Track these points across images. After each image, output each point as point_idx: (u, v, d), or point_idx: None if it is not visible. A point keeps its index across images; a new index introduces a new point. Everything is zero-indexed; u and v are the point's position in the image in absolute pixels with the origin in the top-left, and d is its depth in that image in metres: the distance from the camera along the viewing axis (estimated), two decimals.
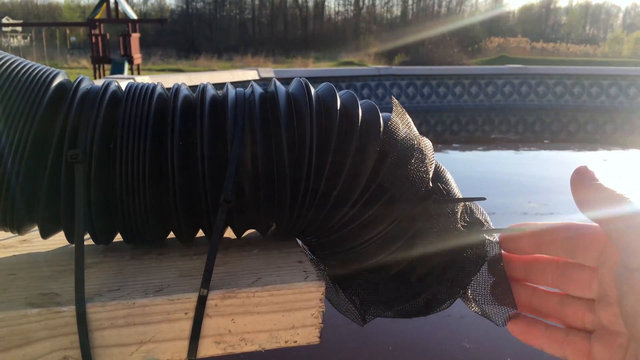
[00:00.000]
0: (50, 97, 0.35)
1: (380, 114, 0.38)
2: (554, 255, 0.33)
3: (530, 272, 0.35)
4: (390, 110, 0.39)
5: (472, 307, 0.37)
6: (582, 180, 0.30)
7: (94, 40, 11.03)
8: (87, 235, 0.37)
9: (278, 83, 0.39)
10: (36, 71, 0.36)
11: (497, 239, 0.36)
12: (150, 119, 0.35)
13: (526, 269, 0.35)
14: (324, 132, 0.36)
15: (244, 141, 0.36)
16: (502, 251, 0.36)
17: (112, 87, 0.37)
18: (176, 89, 0.37)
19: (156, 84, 0.38)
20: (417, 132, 0.38)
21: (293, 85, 0.39)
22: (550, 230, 0.33)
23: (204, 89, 0.38)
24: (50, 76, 0.36)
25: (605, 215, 0.28)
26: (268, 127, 0.36)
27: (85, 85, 0.37)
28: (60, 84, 0.36)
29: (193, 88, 0.39)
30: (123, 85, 0.38)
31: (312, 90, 0.38)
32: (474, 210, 0.39)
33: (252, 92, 0.38)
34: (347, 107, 0.37)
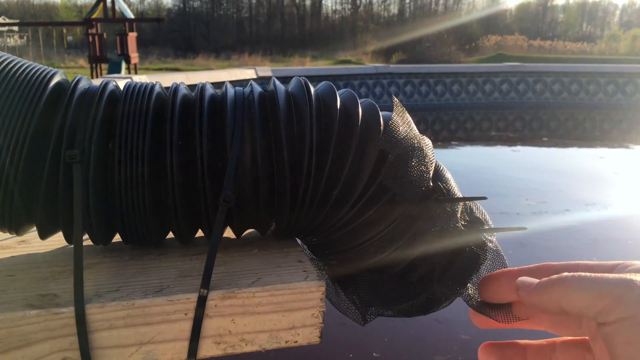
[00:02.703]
0: (48, 96, 0.34)
1: (380, 113, 0.38)
2: None
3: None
4: (388, 108, 0.39)
5: (472, 305, 0.37)
6: (525, 288, 0.30)
7: (91, 39, 11.00)
8: (86, 236, 0.37)
9: (277, 82, 0.39)
10: (33, 71, 0.35)
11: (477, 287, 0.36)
12: (149, 118, 0.35)
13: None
14: (324, 132, 0.36)
15: (244, 140, 0.35)
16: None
17: (111, 86, 0.37)
18: (175, 88, 0.37)
19: (154, 83, 0.38)
20: (417, 131, 0.38)
21: (292, 84, 0.39)
22: (529, 271, 0.33)
23: (202, 88, 0.37)
24: (48, 76, 0.35)
25: (564, 304, 0.28)
26: (268, 126, 0.36)
27: (83, 84, 0.36)
28: (58, 84, 0.36)
29: (191, 87, 0.39)
30: (121, 84, 0.38)
31: (312, 90, 0.38)
32: (474, 209, 0.39)
33: (252, 91, 0.38)
34: (347, 106, 0.37)
